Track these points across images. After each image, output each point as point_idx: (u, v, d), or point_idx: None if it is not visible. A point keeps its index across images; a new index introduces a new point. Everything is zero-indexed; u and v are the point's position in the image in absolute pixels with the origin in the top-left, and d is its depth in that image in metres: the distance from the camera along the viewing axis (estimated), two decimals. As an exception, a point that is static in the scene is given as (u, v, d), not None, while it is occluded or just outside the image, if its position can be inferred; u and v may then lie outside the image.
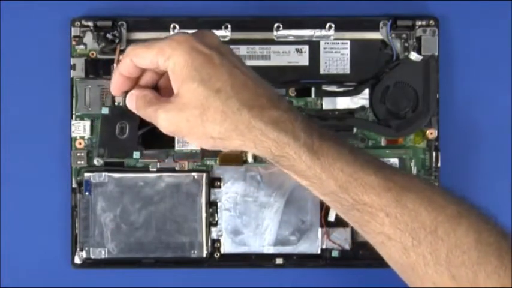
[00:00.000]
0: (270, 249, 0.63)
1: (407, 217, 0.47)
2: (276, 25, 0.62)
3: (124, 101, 0.53)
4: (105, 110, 0.53)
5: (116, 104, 0.60)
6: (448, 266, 0.47)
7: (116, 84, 0.53)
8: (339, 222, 0.63)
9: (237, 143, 0.49)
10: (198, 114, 0.49)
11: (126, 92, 0.53)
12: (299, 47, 0.62)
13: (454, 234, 0.47)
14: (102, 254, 0.62)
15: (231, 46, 0.61)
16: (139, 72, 0.52)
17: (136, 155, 0.54)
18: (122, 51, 0.62)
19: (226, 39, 0.62)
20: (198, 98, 0.48)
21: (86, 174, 0.62)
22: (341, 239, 0.63)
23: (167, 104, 0.50)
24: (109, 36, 0.62)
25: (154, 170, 0.63)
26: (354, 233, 0.63)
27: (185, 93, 0.49)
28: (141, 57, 0.51)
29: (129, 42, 0.62)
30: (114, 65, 0.62)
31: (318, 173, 0.49)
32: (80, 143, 0.62)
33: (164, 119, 0.50)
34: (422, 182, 0.50)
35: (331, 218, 0.63)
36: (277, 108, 0.49)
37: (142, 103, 0.52)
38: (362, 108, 0.62)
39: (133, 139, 0.54)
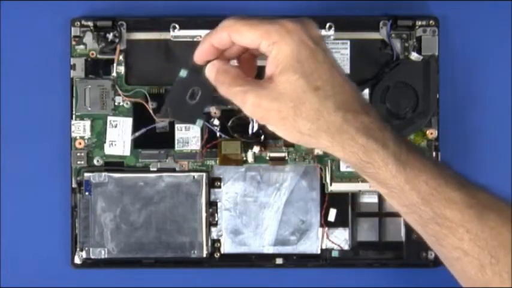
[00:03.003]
0: (270, 249, 0.63)
1: (487, 235, 0.47)
2: (276, 25, 0.62)
3: (193, 67, 0.52)
4: (183, 73, 0.51)
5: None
6: None
7: (202, 52, 0.51)
8: (339, 222, 0.63)
9: (324, 144, 0.48)
10: (291, 107, 0.48)
11: (208, 61, 0.51)
12: (299, 47, 0.62)
13: None
14: (102, 254, 0.62)
15: (231, 46, 0.62)
16: (230, 46, 0.51)
17: (199, 123, 0.53)
18: (121, 51, 0.62)
19: (226, 39, 0.62)
20: (296, 90, 0.47)
21: (86, 174, 0.62)
22: (341, 239, 0.63)
23: (259, 89, 0.48)
24: (109, 36, 0.62)
25: (155, 170, 0.63)
26: (353, 233, 0.63)
27: (283, 83, 0.48)
28: (241, 34, 0.49)
29: (129, 42, 0.62)
30: (115, 65, 0.62)
31: (401, 183, 0.48)
32: (80, 143, 0.62)
33: (253, 104, 0.48)
34: (504, 201, 0.50)
35: (331, 218, 0.63)
36: (369, 115, 0.48)
37: (226, 79, 0.50)
38: (362, 108, 0.62)
39: (201, 107, 0.52)
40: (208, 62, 0.51)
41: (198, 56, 0.51)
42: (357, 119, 0.48)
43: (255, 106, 0.48)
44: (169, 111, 0.53)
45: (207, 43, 0.51)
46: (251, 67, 0.52)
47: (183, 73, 0.52)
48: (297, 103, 0.47)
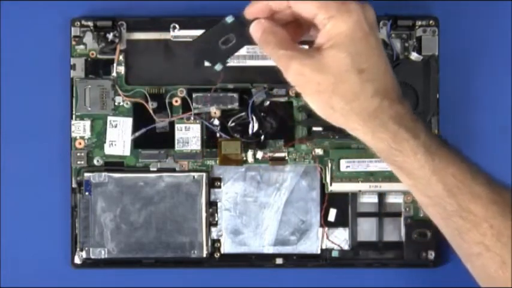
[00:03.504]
0: (270, 249, 0.63)
1: (511, 232, 0.47)
2: (276, 25, 0.62)
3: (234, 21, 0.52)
4: (229, 19, 0.51)
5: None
6: None
7: (255, 8, 0.51)
8: (339, 222, 0.63)
9: (353, 126, 0.49)
10: (331, 83, 0.48)
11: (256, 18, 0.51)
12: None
13: None
14: (102, 254, 0.62)
15: (231, 46, 0.62)
16: (284, 10, 0.50)
17: (218, 67, 0.53)
18: (121, 51, 0.62)
19: (226, 39, 0.62)
20: (340, 68, 0.47)
21: (86, 174, 0.62)
22: (341, 239, 0.63)
23: (304, 57, 0.48)
24: (109, 36, 0.62)
25: (155, 170, 0.63)
26: (353, 233, 0.63)
27: (330, 57, 0.48)
28: (300, 2, 0.49)
29: (129, 42, 0.62)
30: (115, 65, 0.62)
31: (428, 174, 0.48)
32: (80, 143, 0.62)
33: (295, 71, 0.48)
34: None
35: (331, 218, 0.63)
36: (403, 105, 0.49)
37: (273, 40, 0.50)
38: (362, 108, 0.62)
39: (227, 55, 0.53)
40: (255, 19, 0.51)
41: (250, 11, 0.51)
42: (392, 107, 0.48)
43: (297, 73, 0.48)
44: (198, 46, 0.53)
45: (264, 2, 0.50)
46: (295, 37, 0.52)
47: (229, 19, 0.52)
48: (337, 80, 0.48)
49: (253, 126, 0.62)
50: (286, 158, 0.63)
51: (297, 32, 0.52)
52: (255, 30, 0.51)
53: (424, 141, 0.48)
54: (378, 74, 0.48)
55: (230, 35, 0.52)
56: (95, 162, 0.63)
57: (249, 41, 0.52)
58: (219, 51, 0.52)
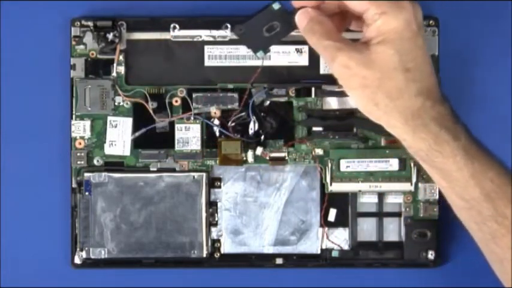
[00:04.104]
0: (270, 249, 0.63)
1: None
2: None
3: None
4: (276, 6, 0.51)
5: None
6: None
7: None
8: (339, 222, 0.63)
9: (394, 124, 0.49)
10: (377, 78, 0.48)
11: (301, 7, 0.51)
12: (299, 47, 0.62)
13: None
14: (102, 254, 0.62)
15: (231, 46, 0.62)
16: (334, 3, 0.51)
17: (260, 54, 0.53)
18: (121, 51, 0.62)
19: (226, 39, 0.62)
20: (388, 65, 0.48)
21: (86, 174, 0.62)
22: (341, 239, 0.63)
23: (351, 50, 0.48)
24: (109, 36, 0.62)
25: (155, 170, 0.63)
26: (353, 233, 0.63)
27: (378, 53, 0.48)
28: None
29: (129, 42, 0.62)
30: (115, 65, 0.62)
31: (466, 177, 0.49)
32: (80, 143, 0.62)
33: (341, 63, 0.48)
34: None
35: (331, 218, 0.63)
36: (445, 106, 0.49)
37: (319, 30, 0.50)
38: (362, 108, 0.62)
39: (270, 42, 0.53)
40: (301, 8, 0.51)
41: (297, 1, 0.51)
42: (434, 108, 0.48)
43: (343, 66, 0.48)
44: (240, 31, 0.53)
45: None
46: (338, 29, 0.51)
47: (276, 5, 0.52)
48: (384, 76, 0.48)
49: (253, 126, 0.62)
50: (286, 158, 0.63)
51: (340, 24, 0.52)
52: (300, 18, 0.50)
53: (464, 143, 0.49)
54: (422, 75, 0.49)
55: (275, 23, 0.52)
56: (95, 162, 0.63)
57: (293, 29, 0.52)
58: (262, 39, 0.52)
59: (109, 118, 0.62)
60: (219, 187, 0.63)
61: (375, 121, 0.50)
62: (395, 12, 0.48)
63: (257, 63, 0.62)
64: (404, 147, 0.51)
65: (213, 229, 0.63)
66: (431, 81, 0.49)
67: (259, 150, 0.62)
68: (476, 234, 0.51)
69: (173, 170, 0.63)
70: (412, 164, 0.62)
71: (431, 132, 0.48)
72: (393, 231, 0.63)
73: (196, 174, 0.62)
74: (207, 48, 0.63)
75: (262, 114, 0.63)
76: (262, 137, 0.63)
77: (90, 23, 0.62)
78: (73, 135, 0.62)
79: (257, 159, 0.62)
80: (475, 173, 0.48)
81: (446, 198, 0.52)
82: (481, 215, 0.49)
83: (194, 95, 0.62)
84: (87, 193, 0.62)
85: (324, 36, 0.49)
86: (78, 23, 0.62)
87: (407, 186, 0.62)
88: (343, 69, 0.49)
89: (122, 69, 0.62)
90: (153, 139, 0.63)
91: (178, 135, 0.63)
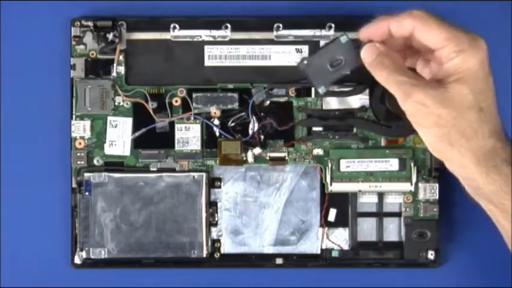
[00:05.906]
0: (270, 249, 0.63)
1: None
2: (276, 25, 0.62)
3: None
4: (344, 39, 0.50)
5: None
6: None
7: (374, 29, 0.50)
8: (339, 222, 0.63)
9: (468, 164, 0.48)
10: (453, 117, 0.47)
11: (369, 41, 0.50)
12: (299, 47, 0.62)
13: None
14: (102, 254, 0.62)
15: (231, 46, 0.62)
16: (402, 36, 0.49)
17: (322, 90, 0.51)
18: (121, 51, 0.62)
19: (226, 39, 0.62)
20: (463, 103, 0.47)
21: (86, 174, 0.62)
22: (341, 239, 0.63)
23: (427, 87, 0.48)
24: (109, 36, 0.62)
25: (155, 170, 0.63)
26: (353, 233, 0.63)
27: (454, 92, 0.47)
28: (429, 30, 0.48)
29: (129, 42, 0.62)
30: (115, 65, 0.62)
31: None
32: (80, 143, 0.62)
33: (417, 100, 0.47)
34: None
35: (331, 218, 0.63)
36: (511, 147, 0.49)
37: (390, 65, 0.49)
38: (362, 108, 0.62)
39: (333, 78, 0.52)
40: (369, 41, 0.50)
41: (366, 33, 0.50)
42: (505, 150, 0.48)
43: (419, 103, 0.48)
44: (306, 64, 0.52)
45: (384, 24, 0.49)
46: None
47: (344, 39, 0.51)
48: (459, 116, 0.47)
49: (253, 126, 0.62)
50: (286, 158, 0.63)
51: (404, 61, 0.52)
52: (368, 52, 0.50)
53: None
54: (493, 116, 0.49)
55: (341, 58, 0.51)
56: (95, 162, 0.63)
57: (359, 64, 0.50)
58: (325, 73, 0.51)
59: (109, 118, 0.62)
60: (219, 187, 0.63)
61: (444, 160, 0.50)
62: (473, 51, 0.47)
63: (257, 63, 0.62)
64: (467, 187, 0.50)
65: (213, 229, 0.63)
66: (498, 122, 0.49)
67: (257, 150, 0.62)
68: None
69: (173, 170, 0.63)
70: (412, 164, 0.62)
71: (503, 174, 0.48)
72: (393, 231, 0.63)
73: (196, 174, 0.62)
74: (207, 48, 0.63)
75: (262, 114, 0.63)
76: (262, 137, 0.62)
77: (90, 23, 0.62)
78: (73, 135, 0.62)
79: (257, 159, 0.62)
80: None
81: (505, 240, 0.51)
82: None
83: (194, 95, 0.62)
84: (87, 193, 0.62)
85: (397, 72, 0.48)
86: (78, 23, 0.62)
87: (407, 186, 0.62)
88: (418, 106, 0.48)
89: (121, 69, 0.62)
90: (153, 139, 0.63)
91: (178, 135, 0.63)
